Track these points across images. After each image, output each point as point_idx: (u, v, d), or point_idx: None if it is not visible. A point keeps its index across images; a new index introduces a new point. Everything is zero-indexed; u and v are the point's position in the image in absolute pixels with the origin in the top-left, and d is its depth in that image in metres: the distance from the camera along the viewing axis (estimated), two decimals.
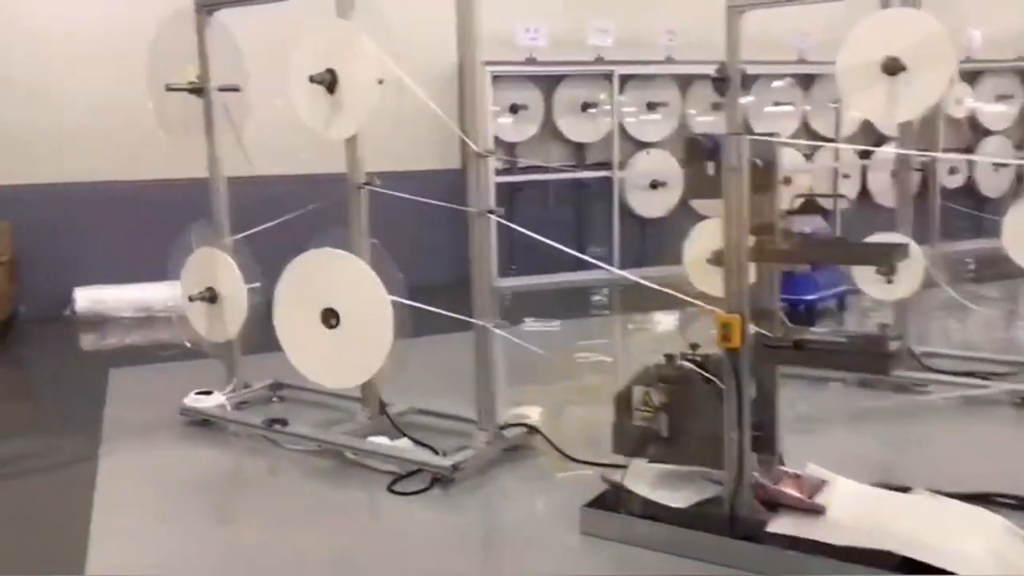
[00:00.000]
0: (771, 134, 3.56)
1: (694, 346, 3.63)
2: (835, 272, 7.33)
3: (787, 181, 9.78)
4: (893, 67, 4.61)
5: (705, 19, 9.73)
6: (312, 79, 4.28)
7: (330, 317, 4.34)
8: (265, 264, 4.95)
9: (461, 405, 4.60)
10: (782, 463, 3.51)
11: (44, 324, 7.71)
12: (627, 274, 4.54)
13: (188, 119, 5.03)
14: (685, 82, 9.62)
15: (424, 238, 7.79)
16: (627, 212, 9.54)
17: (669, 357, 3.57)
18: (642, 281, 4.09)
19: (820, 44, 9.53)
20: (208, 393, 5.08)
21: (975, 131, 10.69)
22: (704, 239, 5.99)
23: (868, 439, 4.65)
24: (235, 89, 5.14)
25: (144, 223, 7.63)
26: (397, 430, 4.57)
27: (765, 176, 3.35)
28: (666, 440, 3.45)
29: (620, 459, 3.58)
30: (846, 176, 10.09)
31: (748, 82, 6.54)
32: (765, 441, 3.42)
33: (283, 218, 4.95)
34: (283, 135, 4.91)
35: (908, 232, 5.38)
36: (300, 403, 5.28)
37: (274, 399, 5.37)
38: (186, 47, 5.05)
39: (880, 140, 10.41)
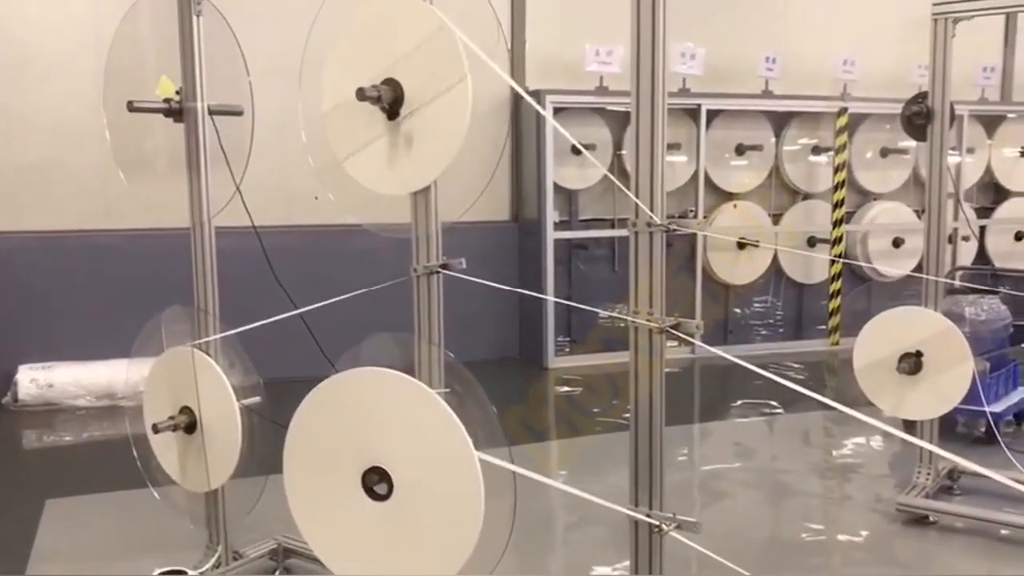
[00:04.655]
0: None
1: None
2: (1015, 372, 5.62)
3: (897, 243, 8.23)
4: None
5: (822, 42, 8.36)
6: (363, 95, 2.58)
7: (377, 481, 2.60)
8: (271, 360, 3.43)
9: None
10: None
11: None
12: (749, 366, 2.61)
13: (159, 153, 3.33)
14: (780, 121, 7.98)
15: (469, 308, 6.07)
16: (709, 277, 7.84)
17: None
18: (779, 379, 2.41)
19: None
20: (179, 574, 3.31)
21: None
22: (882, 340, 4.38)
23: None
24: (236, 112, 3.44)
25: (112, 284, 6.03)
26: None
27: None
28: None
29: None
30: (966, 238, 8.41)
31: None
32: None
33: (305, 308, 3.23)
34: (302, 177, 3.23)
35: None
36: None
37: (277, 574, 3.61)
38: (160, 50, 3.39)
39: (1000, 196, 8.87)
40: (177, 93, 3.33)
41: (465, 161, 2.90)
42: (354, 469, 2.61)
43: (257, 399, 3.44)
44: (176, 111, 3.32)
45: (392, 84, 2.62)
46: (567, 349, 7.54)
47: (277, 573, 3.61)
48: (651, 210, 2.35)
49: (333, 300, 3.13)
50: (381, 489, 2.59)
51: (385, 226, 3.10)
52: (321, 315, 3.27)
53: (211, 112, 3.37)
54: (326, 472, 2.70)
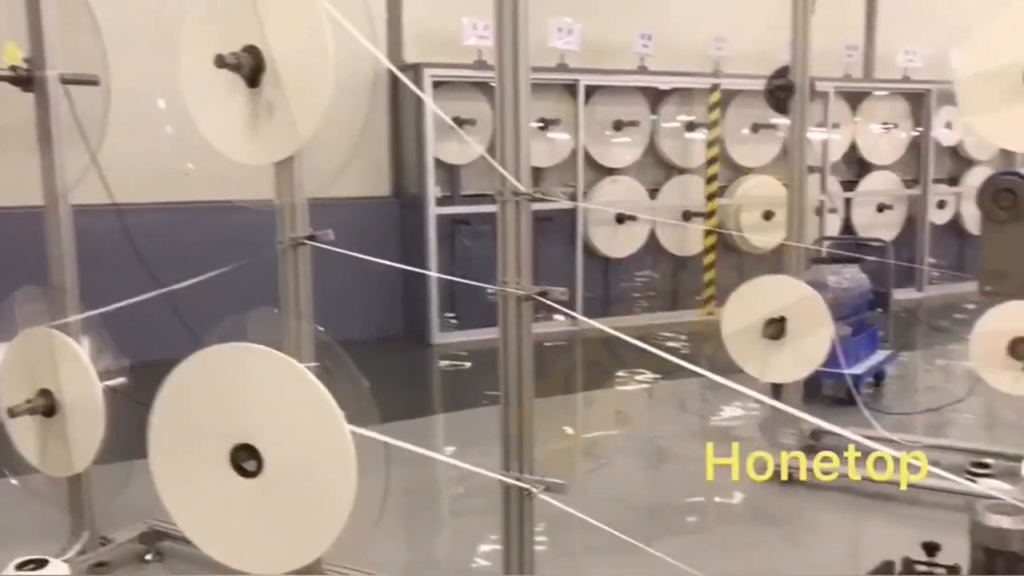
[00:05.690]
0: None
1: (931, 549, 2.04)
2: (875, 336, 5.92)
3: (768, 216, 8.52)
4: None
5: (695, 19, 8.52)
6: (222, 62, 2.51)
7: (246, 459, 2.54)
8: (142, 343, 3.32)
9: None
10: None
11: None
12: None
13: (7, 126, 3.16)
14: (656, 97, 8.13)
15: (349, 286, 5.97)
16: (590, 251, 7.96)
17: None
18: (653, 350, 2.47)
19: None
20: (40, 563, 3.17)
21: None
22: (748, 308, 4.52)
23: None
24: (91, 82, 3.30)
25: None
26: None
27: None
28: None
29: None
30: (832, 210, 8.77)
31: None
32: None
33: (172, 287, 3.13)
34: (174, 152, 3.12)
35: None
36: (194, 563, 3.43)
37: (148, 557, 3.50)
38: (6, 13, 3.22)
39: (863, 169, 9.27)
40: (25, 61, 3.17)
41: (341, 135, 2.86)
42: (222, 447, 2.55)
43: (121, 380, 3.33)
44: (24, 79, 3.16)
45: (252, 51, 2.56)
46: (453, 324, 7.53)
47: (149, 556, 3.51)
48: (517, 180, 2.36)
49: (198, 279, 3.04)
50: (250, 466, 2.54)
51: (255, 201, 3.03)
52: (193, 295, 3.18)
53: (64, 81, 3.22)
54: (193, 451, 2.62)
